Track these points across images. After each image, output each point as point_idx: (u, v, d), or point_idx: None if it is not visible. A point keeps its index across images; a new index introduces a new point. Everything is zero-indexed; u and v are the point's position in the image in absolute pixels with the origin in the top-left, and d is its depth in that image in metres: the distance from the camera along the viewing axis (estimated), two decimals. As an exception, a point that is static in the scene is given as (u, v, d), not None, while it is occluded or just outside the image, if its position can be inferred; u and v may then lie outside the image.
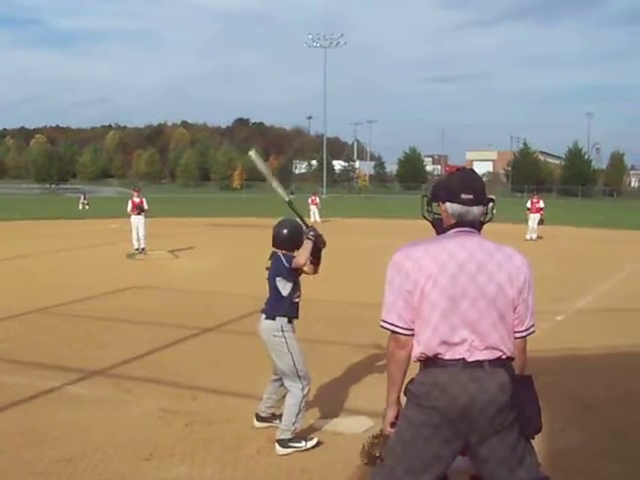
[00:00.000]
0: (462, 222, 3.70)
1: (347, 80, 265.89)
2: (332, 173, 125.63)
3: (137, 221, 22.07)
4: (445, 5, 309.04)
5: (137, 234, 21.89)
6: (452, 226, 3.73)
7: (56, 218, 39.13)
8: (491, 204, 3.85)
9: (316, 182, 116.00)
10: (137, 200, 22.53)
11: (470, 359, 3.53)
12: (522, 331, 3.78)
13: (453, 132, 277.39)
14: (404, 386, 3.69)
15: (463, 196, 3.68)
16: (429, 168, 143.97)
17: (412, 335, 3.61)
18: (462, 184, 3.73)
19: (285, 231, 6.34)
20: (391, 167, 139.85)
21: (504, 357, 3.62)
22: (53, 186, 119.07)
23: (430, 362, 3.57)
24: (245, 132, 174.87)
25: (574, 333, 11.30)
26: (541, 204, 30.80)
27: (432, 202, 3.97)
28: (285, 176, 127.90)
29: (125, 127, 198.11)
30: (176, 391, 7.86)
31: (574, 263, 21.34)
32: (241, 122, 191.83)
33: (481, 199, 3.74)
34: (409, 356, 3.65)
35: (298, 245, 6.27)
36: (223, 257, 22.11)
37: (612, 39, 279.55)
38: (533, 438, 3.74)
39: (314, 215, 39.13)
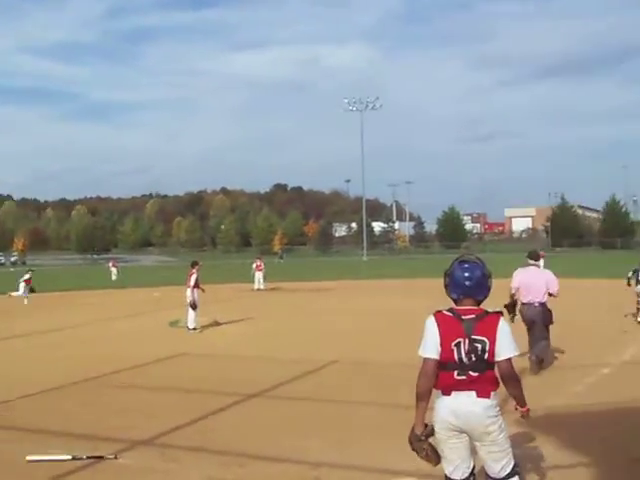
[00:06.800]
0: None
1: (384, 142, 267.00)
2: (372, 235, 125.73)
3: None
4: (477, 66, 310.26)
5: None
6: None
7: (92, 288, 39.71)
8: None
9: (356, 244, 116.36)
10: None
11: None
12: None
13: (491, 190, 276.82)
14: None
15: None
16: (468, 226, 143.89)
17: None
18: None
19: None
20: (430, 227, 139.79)
21: None
22: (95, 256, 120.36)
23: None
24: (284, 197, 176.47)
25: (622, 386, 11.09)
26: None
27: None
28: (325, 239, 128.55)
29: (165, 195, 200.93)
30: (223, 459, 7.79)
31: (617, 315, 21.00)
32: (279, 187, 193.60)
33: None
34: None
35: None
36: (266, 322, 22.11)
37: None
38: None
39: (259, 282, 37.66)
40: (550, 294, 12.47)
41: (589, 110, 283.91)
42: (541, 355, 12.50)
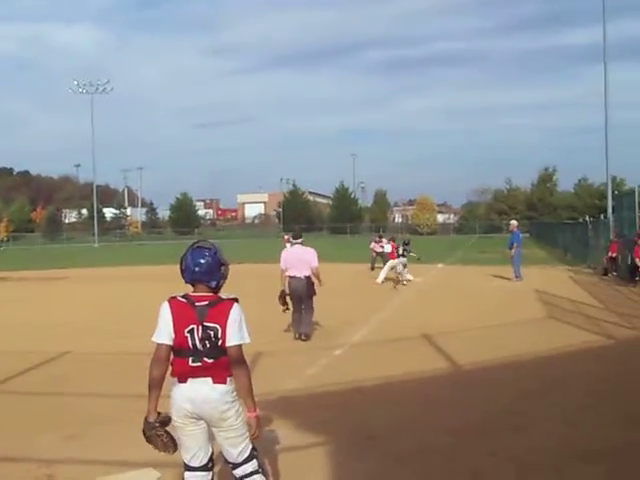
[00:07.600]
0: None
1: (116, 127, 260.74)
2: (103, 221, 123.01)
3: None
4: (211, 53, 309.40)
5: None
6: None
7: None
8: None
9: (87, 231, 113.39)
10: None
11: None
12: None
13: (224, 176, 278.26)
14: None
15: None
16: (201, 212, 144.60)
17: None
18: None
19: None
20: (163, 213, 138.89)
21: None
22: None
23: None
24: (9, 182, 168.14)
25: (352, 366, 11.59)
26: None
27: None
28: (54, 226, 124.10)
29: None
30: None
31: (349, 298, 21.91)
32: (4, 171, 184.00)
33: None
34: None
35: None
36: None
37: (371, 86, 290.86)
38: None
39: None
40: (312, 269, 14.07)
41: (317, 99, 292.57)
42: (306, 332, 14.13)
